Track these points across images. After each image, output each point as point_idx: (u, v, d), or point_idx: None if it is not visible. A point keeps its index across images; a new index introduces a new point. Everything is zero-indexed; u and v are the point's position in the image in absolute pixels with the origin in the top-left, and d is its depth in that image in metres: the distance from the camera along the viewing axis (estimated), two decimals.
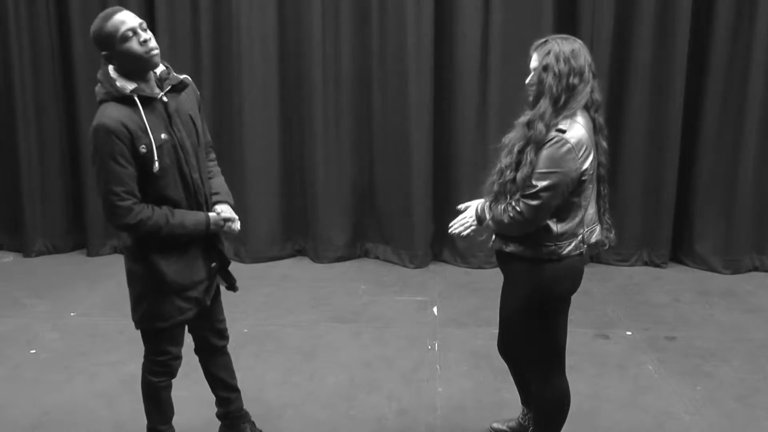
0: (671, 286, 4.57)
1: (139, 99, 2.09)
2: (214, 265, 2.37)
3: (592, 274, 4.58)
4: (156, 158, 2.10)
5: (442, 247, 5.05)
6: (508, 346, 2.55)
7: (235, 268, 2.53)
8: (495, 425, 2.81)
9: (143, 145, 2.08)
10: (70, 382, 3.27)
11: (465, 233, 2.34)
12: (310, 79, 4.80)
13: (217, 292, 2.46)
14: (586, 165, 2.10)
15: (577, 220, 2.18)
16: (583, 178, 2.11)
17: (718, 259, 4.81)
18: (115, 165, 2.05)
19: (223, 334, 2.55)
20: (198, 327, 2.47)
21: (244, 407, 2.70)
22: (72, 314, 4.09)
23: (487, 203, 2.27)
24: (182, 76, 2.23)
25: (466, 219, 2.34)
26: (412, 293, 4.44)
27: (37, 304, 4.25)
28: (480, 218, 2.30)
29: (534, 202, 2.09)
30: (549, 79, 2.07)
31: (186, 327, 2.43)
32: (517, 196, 2.13)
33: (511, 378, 2.69)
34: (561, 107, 2.09)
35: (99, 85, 2.12)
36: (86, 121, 4.80)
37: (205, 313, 2.40)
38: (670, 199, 4.80)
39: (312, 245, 5.09)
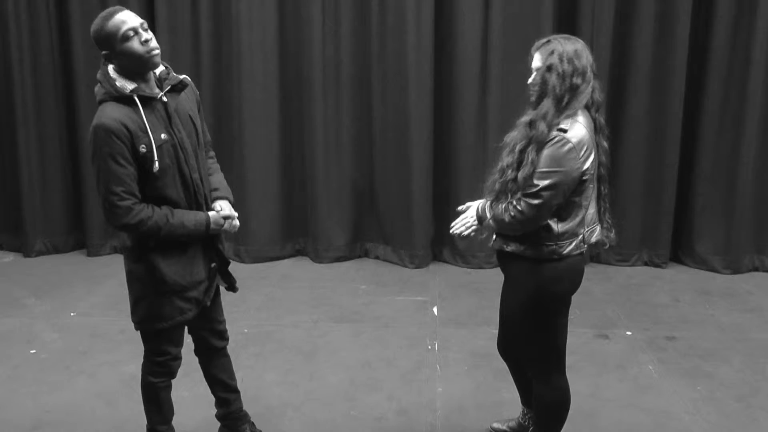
0: (671, 286, 4.57)
1: (138, 99, 2.09)
2: (213, 265, 2.37)
3: (592, 274, 4.59)
4: (156, 158, 2.10)
5: (442, 247, 5.05)
6: (508, 346, 2.55)
7: (235, 268, 2.53)
8: (495, 425, 2.81)
9: (143, 145, 2.08)
10: (70, 382, 3.27)
11: (466, 233, 2.34)
12: (310, 79, 4.81)
13: (217, 293, 2.46)
14: (587, 165, 2.10)
15: (577, 219, 2.18)
16: (584, 177, 2.11)
17: (718, 259, 4.81)
18: (115, 165, 2.05)
19: (222, 335, 2.55)
20: (198, 328, 2.47)
21: (244, 408, 2.69)
22: (72, 314, 4.09)
23: (488, 203, 2.27)
24: (182, 76, 2.23)
25: (467, 219, 2.34)
26: (412, 293, 4.44)
27: (37, 304, 4.25)
28: (481, 218, 2.30)
29: (535, 201, 2.09)
30: (552, 79, 2.08)
31: (186, 328, 2.43)
32: (519, 195, 2.13)
33: (511, 378, 2.69)
34: (563, 107, 2.09)
35: (98, 85, 2.12)
36: (86, 121, 4.81)
37: (205, 313, 2.40)
38: (670, 199, 4.80)
39: (312, 245, 5.09)
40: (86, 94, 4.76)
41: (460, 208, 2.41)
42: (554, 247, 2.18)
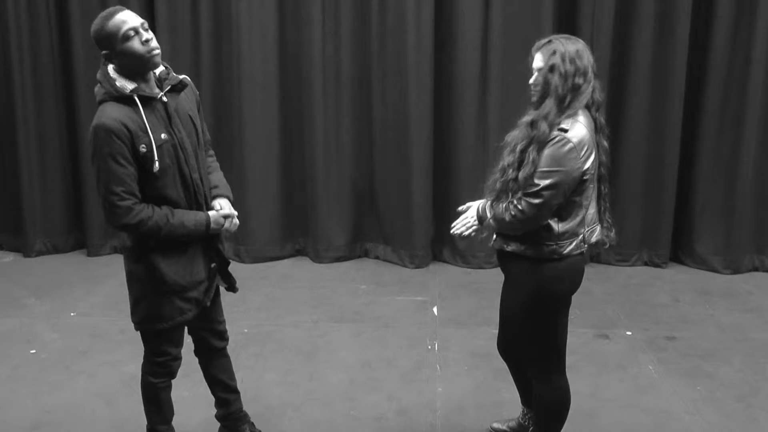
0: (671, 286, 4.57)
1: (139, 99, 2.09)
2: (213, 265, 2.37)
3: (592, 274, 4.59)
4: (156, 158, 2.09)
5: (442, 247, 5.05)
6: (508, 346, 2.55)
7: (235, 268, 2.53)
8: (495, 425, 2.81)
9: (143, 145, 2.08)
10: (70, 382, 3.26)
11: (467, 233, 2.34)
12: (310, 79, 4.81)
13: (217, 293, 2.46)
14: (588, 164, 2.11)
15: (578, 219, 2.19)
16: (585, 177, 2.12)
17: (718, 259, 4.81)
18: (115, 165, 2.05)
19: (222, 336, 2.54)
20: (198, 328, 2.46)
21: (244, 408, 2.69)
22: (72, 314, 4.09)
23: (488, 202, 2.28)
24: (181, 76, 2.23)
25: (467, 219, 2.34)
26: (412, 293, 4.44)
27: (37, 304, 4.25)
28: (481, 218, 2.30)
29: (536, 201, 2.09)
30: (555, 79, 2.08)
31: (186, 328, 2.43)
32: (519, 194, 2.14)
33: (511, 378, 2.69)
34: (565, 107, 2.09)
35: (98, 85, 2.12)
36: (86, 121, 4.81)
37: (205, 314, 2.40)
38: (670, 199, 4.80)
39: (312, 245, 5.09)
40: (86, 94, 4.77)
41: (460, 208, 2.41)
42: (554, 246, 2.18)
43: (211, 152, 2.48)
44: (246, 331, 3.80)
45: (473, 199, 2.41)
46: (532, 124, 2.11)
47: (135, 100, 2.08)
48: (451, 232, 2.38)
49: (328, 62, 4.81)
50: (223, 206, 2.34)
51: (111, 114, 2.05)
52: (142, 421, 2.50)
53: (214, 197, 2.36)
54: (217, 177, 2.43)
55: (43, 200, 5.19)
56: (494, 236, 2.34)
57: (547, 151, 2.08)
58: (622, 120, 4.71)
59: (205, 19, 4.85)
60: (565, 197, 2.12)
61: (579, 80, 2.09)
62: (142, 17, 2.12)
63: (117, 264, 4.44)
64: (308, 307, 4.19)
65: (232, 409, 2.64)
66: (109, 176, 2.06)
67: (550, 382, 2.36)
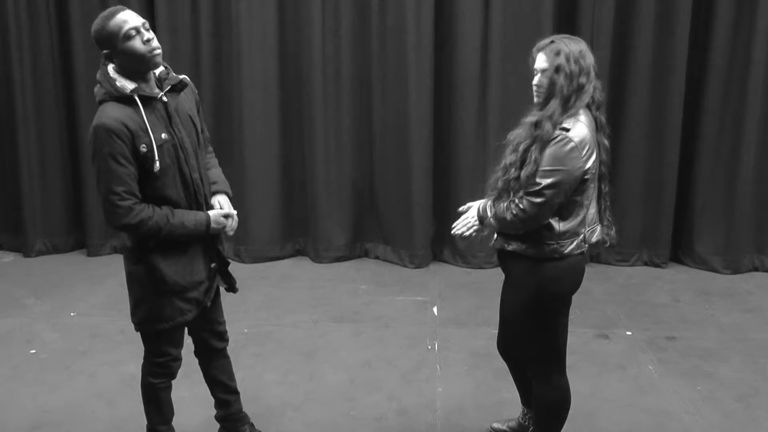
0: (671, 286, 4.57)
1: (139, 99, 2.08)
2: (213, 265, 2.37)
3: (592, 274, 4.59)
4: (157, 158, 2.09)
5: (442, 247, 5.05)
6: (508, 346, 2.55)
7: (235, 268, 2.53)
8: (495, 425, 2.81)
9: (143, 145, 2.08)
10: (70, 382, 3.27)
11: (467, 234, 2.34)
12: (310, 79, 4.81)
13: (217, 294, 2.45)
14: (589, 164, 2.11)
15: (579, 219, 2.19)
16: (586, 177, 2.12)
17: (718, 259, 4.81)
18: (116, 164, 2.05)
19: (222, 336, 2.54)
20: (198, 329, 2.46)
21: (243, 409, 2.69)
22: (72, 314, 4.09)
23: (489, 202, 2.28)
24: (181, 76, 2.23)
25: (468, 219, 2.34)
26: (412, 293, 4.44)
27: (37, 304, 4.25)
28: (482, 218, 2.30)
29: (537, 200, 2.10)
30: (560, 80, 2.08)
31: (186, 329, 2.43)
32: (521, 193, 2.14)
33: (511, 378, 2.69)
34: (569, 107, 2.10)
35: (98, 85, 2.12)
36: (86, 121, 4.81)
37: (205, 314, 2.40)
38: (670, 199, 4.80)
39: (312, 245, 5.09)
40: (86, 94, 4.76)
41: (461, 208, 2.41)
42: (555, 246, 2.18)
43: (210, 149, 2.48)
44: (246, 331, 3.80)
45: (473, 199, 2.41)
46: (537, 124, 2.11)
47: (135, 100, 2.08)
48: (452, 232, 2.38)
49: (328, 62, 4.80)
50: (222, 205, 2.34)
51: (111, 114, 2.05)
52: (142, 421, 2.50)
53: (214, 193, 2.36)
54: (216, 173, 2.43)
55: (43, 200, 5.19)
56: (495, 236, 2.34)
57: (548, 151, 2.08)
58: (622, 120, 4.70)
59: (205, 19, 4.85)
60: (566, 196, 2.13)
61: (583, 80, 2.10)
62: (143, 17, 2.12)
63: (117, 264, 4.44)
64: (308, 307, 4.19)
65: (232, 410, 2.64)
66: (109, 176, 2.06)
67: (550, 381, 2.36)
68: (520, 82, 4.28)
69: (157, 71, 2.18)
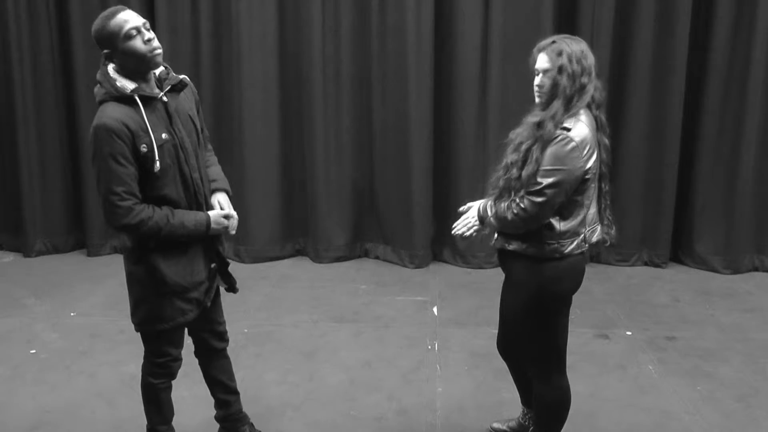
0: (671, 286, 4.57)
1: (139, 99, 2.08)
2: (213, 265, 2.37)
3: (592, 274, 4.58)
4: (157, 158, 2.09)
5: (442, 247, 5.05)
6: (508, 345, 2.55)
7: (235, 268, 2.53)
8: (495, 425, 2.81)
9: (144, 145, 2.07)
10: (70, 382, 3.27)
11: (468, 234, 2.34)
12: (310, 79, 4.81)
13: (217, 294, 2.45)
14: (590, 163, 2.12)
15: (579, 218, 2.19)
16: (587, 176, 2.13)
17: (718, 259, 4.81)
18: (116, 165, 2.05)
19: (222, 337, 2.54)
20: (198, 329, 2.46)
21: (243, 409, 2.69)
22: (72, 314, 4.09)
23: (489, 201, 2.28)
24: (181, 76, 2.23)
25: (468, 219, 2.34)
26: (412, 293, 4.44)
27: (37, 304, 4.25)
28: (482, 218, 2.30)
29: (538, 199, 2.10)
30: (563, 80, 2.08)
31: (186, 329, 2.43)
32: (522, 193, 2.14)
33: (511, 378, 2.69)
34: (571, 107, 2.10)
35: (98, 85, 2.12)
36: (86, 121, 4.81)
37: (205, 314, 2.40)
38: (670, 199, 4.80)
39: (312, 245, 5.09)
40: (86, 94, 4.76)
41: (461, 209, 2.41)
42: (556, 245, 2.18)
43: (210, 146, 2.48)
44: (246, 331, 3.80)
45: (473, 199, 2.41)
46: (540, 124, 2.11)
47: (136, 100, 2.08)
48: (453, 232, 2.38)
49: (328, 62, 4.80)
50: (222, 205, 2.34)
51: (112, 114, 2.05)
52: (142, 421, 2.50)
53: (213, 191, 2.36)
54: (215, 170, 2.43)
55: (43, 200, 5.19)
56: (495, 235, 2.34)
57: (550, 150, 2.08)
58: (622, 120, 4.70)
59: (205, 19, 4.85)
60: (567, 196, 2.13)
61: (585, 80, 2.10)
62: (143, 17, 2.12)
63: (117, 264, 4.44)
64: (308, 307, 4.19)
65: (232, 410, 2.64)
66: (109, 176, 2.05)
67: (550, 381, 2.36)
68: (520, 82, 4.29)
69: (157, 71, 2.18)
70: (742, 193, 4.70)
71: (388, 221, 5.01)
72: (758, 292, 4.47)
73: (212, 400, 2.65)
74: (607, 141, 2.23)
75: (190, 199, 2.24)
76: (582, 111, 2.13)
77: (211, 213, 2.26)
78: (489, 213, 2.26)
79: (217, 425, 2.68)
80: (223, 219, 2.28)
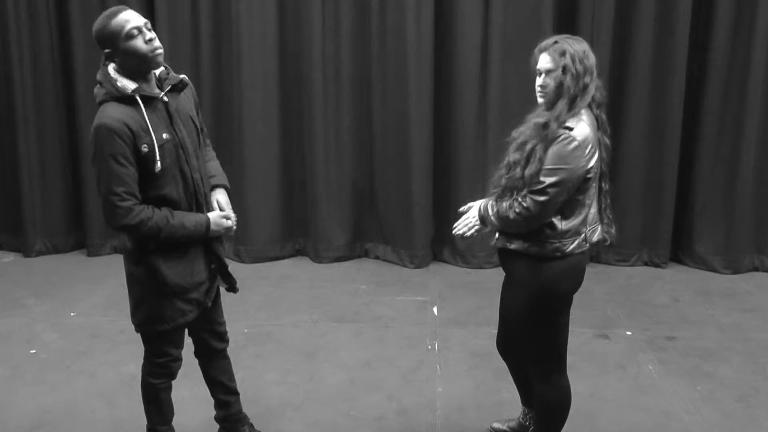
0: (671, 286, 4.57)
1: (140, 98, 2.08)
2: (213, 266, 2.37)
3: (592, 274, 4.57)
4: (158, 158, 2.09)
5: (442, 247, 5.05)
6: (508, 345, 2.55)
7: (235, 268, 2.53)
8: (495, 425, 2.81)
9: (145, 145, 2.07)
10: (70, 382, 3.27)
11: (469, 234, 2.34)
12: (310, 79, 4.81)
13: (217, 294, 2.45)
14: (592, 163, 2.12)
15: (581, 218, 2.20)
16: (589, 175, 2.14)
17: (718, 259, 4.81)
18: (117, 165, 2.05)
19: (222, 337, 2.54)
20: (198, 329, 2.46)
21: (243, 409, 2.69)
22: (72, 314, 4.09)
23: (491, 201, 2.28)
24: (181, 76, 2.23)
25: (469, 219, 2.34)
26: (412, 293, 4.44)
27: (37, 304, 4.25)
28: (483, 218, 2.30)
29: (541, 198, 2.10)
30: (567, 80, 2.09)
31: (186, 330, 2.43)
32: (524, 192, 2.14)
33: (511, 378, 2.69)
34: (574, 107, 2.10)
35: (98, 85, 2.11)
36: (86, 121, 4.81)
37: (206, 315, 2.39)
38: (670, 199, 4.80)
39: (312, 245, 5.09)
40: (86, 94, 4.76)
41: (461, 209, 2.41)
42: (557, 244, 2.18)
43: (208, 142, 2.48)
44: (246, 331, 3.79)
45: (473, 199, 2.41)
46: (546, 125, 2.11)
47: (137, 100, 2.07)
48: (453, 233, 2.38)
49: (328, 62, 4.80)
50: (222, 205, 2.34)
51: (113, 114, 2.04)
52: (142, 421, 2.50)
53: (212, 187, 2.36)
54: (214, 166, 2.43)
55: (43, 200, 5.19)
56: (496, 235, 2.34)
57: (552, 149, 2.09)
58: (622, 120, 4.70)
59: (205, 19, 4.85)
60: (569, 195, 2.13)
61: (587, 80, 2.11)
62: (143, 17, 2.12)
63: (117, 264, 4.43)
64: (308, 307, 4.19)
65: (232, 411, 2.64)
66: (110, 176, 2.05)
67: (550, 381, 2.36)
68: (521, 82, 4.29)
69: (157, 71, 2.18)
70: (742, 193, 4.70)
71: (388, 221, 5.01)
72: (758, 292, 4.47)
73: (212, 401, 2.65)
74: (607, 140, 2.24)
75: (190, 199, 2.24)
76: (583, 110, 2.13)
77: (210, 214, 2.26)
78: (490, 212, 2.26)
79: (217, 426, 2.68)
80: (222, 220, 2.28)
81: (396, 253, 5.00)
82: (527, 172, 2.13)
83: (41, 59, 5.02)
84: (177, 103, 2.21)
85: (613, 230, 2.35)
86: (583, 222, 2.21)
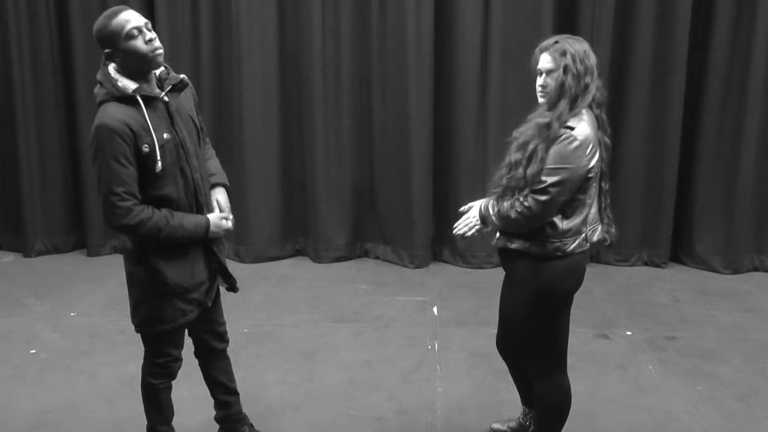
0: (671, 286, 4.57)
1: (141, 98, 2.08)
2: (214, 266, 2.37)
3: (592, 274, 4.57)
4: (159, 158, 2.09)
5: (442, 247, 5.05)
6: (508, 345, 2.55)
7: (235, 268, 2.53)
8: (495, 425, 2.81)
9: (146, 145, 2.07)
10: (70, 382, 3.26)
11: (469, 233, 2.34)
12: (310, 79, 4.81)
13: (217, 295, 2.45)
14: (593, 162, 2.13)
15: (581, 217, 2.20)
16: (590, 175, 2.14)
17: (718, 259, 4.81)
18: (117, 165, 2.05)
19: (222, 337, 2.54)
20: (198, 329, 2.46)
21: (243, 409, 2.69)
22: (72, 314, 4.09)
23: (491, 201, 2.28)
24: (181, 76, 2.23)
25: (469, 219, 2.35)
26: (412, 293, 4.44)
27: (37, 304, 4.25)
28: (484, 217, 2.30)
29: (543, 198, 2.10)
30: (568, 80, 2.09)
31: (186, 330, 2.43)
32: (526, 191, 2.14)
33: (511, 378, 2.69)
34: (575, 107, 2.11)
35: (98, 86, 2.11)
36: (86, 121, 4.81)
37: (206, 315, 2.39)
38: (670, 199, 4.80)
39: (312, 245, 5.09)
40: (86, 94, 4.76)
41: (462, 209, 2.41)
42: (558, 244, 2.19)
43: (207, 140, 2.48)
44: (246, 331, 3.79)
45: (473, 199, 2.41)
46: (549, 126, 2.11)
47: (137, 100, 2.07)
48: (454, 232, 2.38)
49: (328, 62, 4.80)
50: (221, 205, 2.34)
51: (113, 114, 2.04)
52: (142, 421, 2.50)
53: (212, 185, 2.36)
54: (214, 164, 2.44)
55: (43, 200, 5.19)
56: (497, 234, 2.34)
57: (554, 149, 2.09)
58: (622, 120, 4.70)
59: (205, 19, 4.85)
60: (571, 194, 2.14)
61: (588, 80, 2.12)
62: (143, 17, 2.12)
63: (117, 264, 4.43)
64: (308, 307, 4.19)
65: (232, 411, 2.64)
66: (110, 176, 2.05)
67: (550, 381, 2.36)
68: (521, 81, 4.29)
69: (158, 71, 2.18)
70: (742, 193, 4.70)
71: (388, 221, 5.01)
72: (758, 292, 4.47)
73: (212, 401, 2.65)
74: (608, 140, 2.24)
75: (191, 199, 2.24)
76: (584, 110, 2.13)
77: (210, 216, 2.26)
78: (491, 212, 2.26)
79: (217, 426, 2.68)
80: (222, 222, 2.28)
81: (396, 253, 5.00)
82: (529, 171, 2.13)
83: (41, 59, 5.02)
84: (177, 103, 2.21)
85: (613, 230, 2.35)
86: (584, 221, 2.21)
